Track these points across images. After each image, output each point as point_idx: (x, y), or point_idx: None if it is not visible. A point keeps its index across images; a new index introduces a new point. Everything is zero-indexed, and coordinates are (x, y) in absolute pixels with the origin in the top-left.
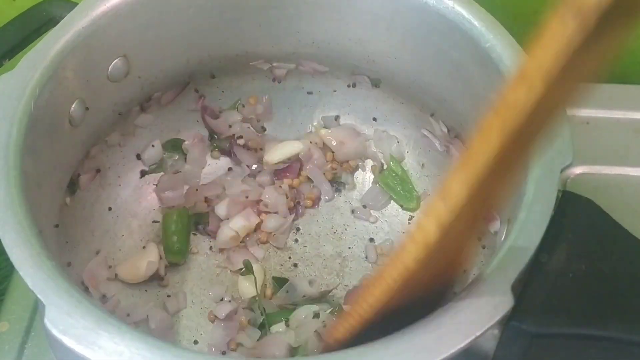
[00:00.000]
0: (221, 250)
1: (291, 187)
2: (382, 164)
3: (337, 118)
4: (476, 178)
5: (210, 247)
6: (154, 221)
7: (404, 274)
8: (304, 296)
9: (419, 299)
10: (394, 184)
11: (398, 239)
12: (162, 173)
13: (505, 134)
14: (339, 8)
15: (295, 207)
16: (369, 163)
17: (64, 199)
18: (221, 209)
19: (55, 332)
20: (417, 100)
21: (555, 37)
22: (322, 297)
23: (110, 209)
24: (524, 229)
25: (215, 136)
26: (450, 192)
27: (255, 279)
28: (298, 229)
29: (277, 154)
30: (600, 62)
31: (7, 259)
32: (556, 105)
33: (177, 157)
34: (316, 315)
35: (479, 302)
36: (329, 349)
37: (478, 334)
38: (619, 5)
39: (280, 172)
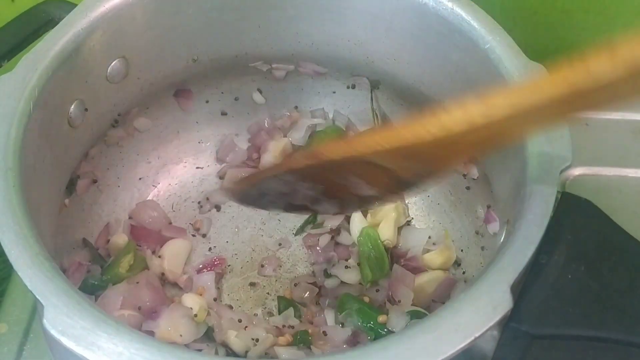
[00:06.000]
0: None
1: None
2: None
3: (335, 120)
4: (517, 110)
5: None
6: None
7: (414, 137)
8: None
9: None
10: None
11: None
12: None
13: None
14: (338, 9)
15: None
16: None
17: (63, 200)
18: None
19: (54, 332)
20: (417, 101)
21: None
22: None
23: (109, 210)
24: (523, 230)
25: None
26: (492, 103)
27: None
28: None
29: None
30: None
31: (6, 260)
32: None
33: None
34: None
35: (479, 303)
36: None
37: (477, 335)
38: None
39: None
